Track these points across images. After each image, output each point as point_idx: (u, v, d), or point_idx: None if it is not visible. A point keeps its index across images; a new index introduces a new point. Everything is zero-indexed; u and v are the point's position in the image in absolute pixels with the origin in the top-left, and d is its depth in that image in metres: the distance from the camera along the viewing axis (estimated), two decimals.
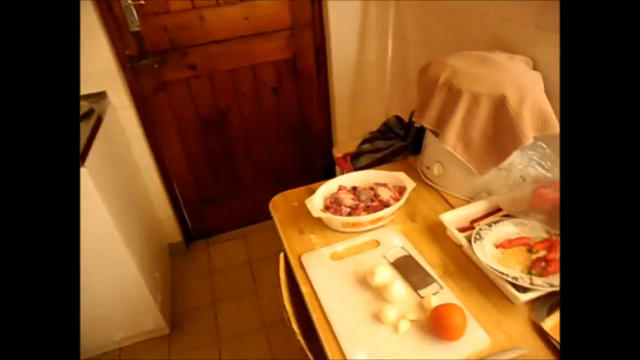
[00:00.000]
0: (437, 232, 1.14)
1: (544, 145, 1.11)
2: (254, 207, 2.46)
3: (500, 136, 1.09)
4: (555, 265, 0.93)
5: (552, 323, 0.86)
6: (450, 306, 0.86)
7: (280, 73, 2.11)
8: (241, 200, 2.44)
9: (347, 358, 0.83)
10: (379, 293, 0.96)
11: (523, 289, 0.90)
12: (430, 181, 1.32)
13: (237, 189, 2.40)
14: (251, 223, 2.56)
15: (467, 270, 1.02)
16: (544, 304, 0.90)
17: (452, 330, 0.83)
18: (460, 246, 1.06)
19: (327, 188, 1.25)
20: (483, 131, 1.12)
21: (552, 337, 0.84)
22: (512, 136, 1.06)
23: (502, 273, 0.92)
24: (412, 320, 0.90)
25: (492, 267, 0.93)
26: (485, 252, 0.98)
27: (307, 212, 1.14)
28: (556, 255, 0.96)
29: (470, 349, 0.84)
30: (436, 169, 1.27)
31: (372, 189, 1.23)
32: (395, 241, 1.12)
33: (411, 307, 0.93)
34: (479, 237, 1.02)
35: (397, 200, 1.18)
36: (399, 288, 0.93)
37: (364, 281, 0.99)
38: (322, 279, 1.02)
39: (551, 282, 0.89)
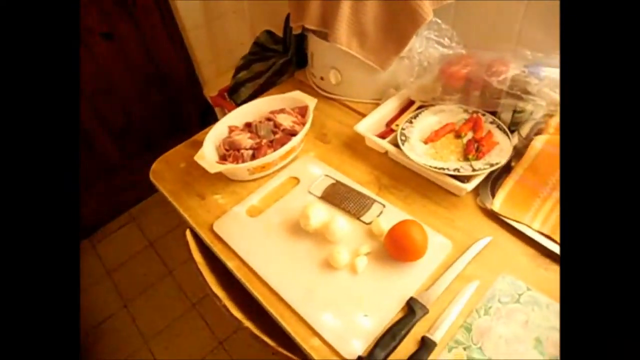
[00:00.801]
0: (356, 147, 1.00)
1: (439, 21, 0.99)
2: (131, 184, 2.07)
3: (396, 20, 0.94)
4: (488, 143, 0.86)
5: (500, 202, 0.80)
6: (404, 224, 0.75)
7: (108, 13, 1.64)
8: (112, 182, 2.03)
9: (314, 327, 0.68)
10: (320, 237, 0.81)
11: (466, 178, 0.82)
12: (329, 92, 1.15)
13: (103, 170, 1.97)
14: (136, 202, 2.19)
15: (401, 178, 0.91)
16: (485, 185, 0.84)
17: (415, 248, 0.72)
18: (386, 153, 0.94)
19: (215, 134, 1.00)
20: (376, 18, 0.95)
21: (504, 216, 0.79)
22: (410, 16, 0.91)
23: (442, 168, 0.82)
24: (367, 254, 0.77)
25: (430, 166, 0.83)
26: (417, 152, 0.87)
27: (201, 171, 0.90)
28: (482, 132, 0.89)
29: (437, 260, 0.75)
30: (333, 77, 1.09)
31: (269, 119, 1.02)
32: (316, 171, 0.95)
33: (361, 240, 0.80)
34: (405, 138, 0.90)
35: (302, 124, 0.99)
36: (341, 223, 0.78)
37: (298, 229, 0.82)
38: (248, 244, 0.82)
39: (490, 161, 0.83)
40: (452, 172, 0.81)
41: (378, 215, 0.83)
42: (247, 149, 0.95)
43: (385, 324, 0.68)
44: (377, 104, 1.07)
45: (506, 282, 0.72)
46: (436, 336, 0.66)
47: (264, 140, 0.97)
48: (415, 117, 0.95)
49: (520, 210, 0.80)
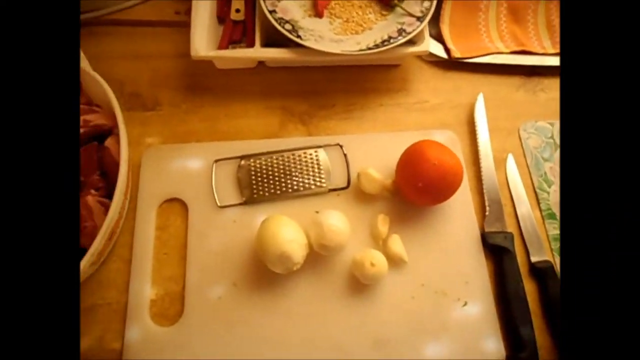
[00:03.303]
0: (203, 84, 0.56)
1: None
2: None
3: None
4: None
5: (451, 42, 0.57)
6: (418, 153, 0.46)
7: None
8: None
9: None
10: (310, 264, 0.46)
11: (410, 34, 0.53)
12: None
13: None
14: None
15: (313, 88, 0.56)
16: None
17: (454, 179, 0.46)
18: (260, 64, 0.55)
19: None
20: None
21: (468, 57, 0.57)
22: None
23: (386, 41, 0.51)
24: (389, 228, 0.48)
25: (371, 47, 0.50)
26: (325, 38, 0.52)
27: None
28: None
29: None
30: None
31: None
32: (192, 164, 0.51)
33: (356, 212, 0.49)
34: (293, 25, 0.51)
35: (89, 104, 0.48)
36: (331, 217, 0.44)
37: (269, 280, 0.45)
38: None
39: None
40: (401, 39, 0.51)
41: (348, 168, 0.51)
42: None
43: (492, 293, 0.46)
44: None
45: (530, 133, 0.55)
46: (540, 255, 0.48)
47: None
48: None
49: (475, 39, 0.59)
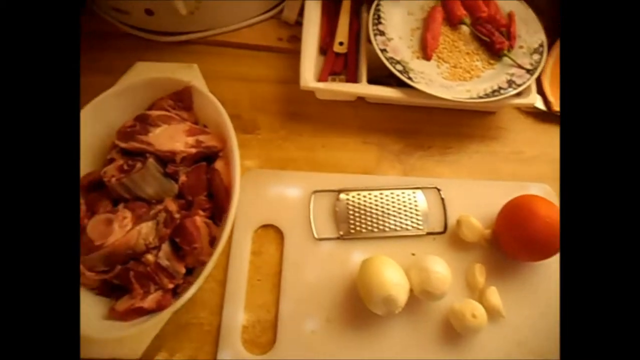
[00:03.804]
0: (299, 112, 0.57)
1: None
2: None
3: None
4: (501, 18, 0.56)
5: (551, 94, 0.57)
6: (525, 207, 0.45)
7: None
8: None
9: None
10: (408, 308, 0.46)
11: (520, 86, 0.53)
12: (172, 34, 0.60)
13: None
14: None
15: (411, 127, 0.57)
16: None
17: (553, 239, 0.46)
18: (358, 99, 0.56)
19: None
20: None
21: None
22: None
23: (496, 91, 0.51)
24: (486, 281, 0.47)
25: (482, 97, 0.50)
26: (432, 79, 0.52)
27: None
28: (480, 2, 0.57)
29: None
30: (182, 3, 0.54)
31: (138, 152, 0.47)
32: (291, 192, 0.52)
33: (457, 263, 0.48)
34: (402, 65, 0.52)
35: (192, 121, 0.49)
36: (436, 264, 0.44)
37: (363, 321, 0.45)
38: None
39: (528, 44, 0.55)
40: (511, 91, 0.51)
41: (445, 213, 0.51)
42: (151, 260, 0.43)
43: None
44: (272, 17, 0.60)
45: None
46: None
47: (163, 217, 0.44)
48: (377, 19, 0.55)
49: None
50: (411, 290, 0.44)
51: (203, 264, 0.45)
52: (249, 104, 0.57)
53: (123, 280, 0.43)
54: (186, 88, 0.49)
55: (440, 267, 0.43)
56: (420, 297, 0.44)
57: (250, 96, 0.58)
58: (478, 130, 0.57)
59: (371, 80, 0.53)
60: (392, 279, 0.42)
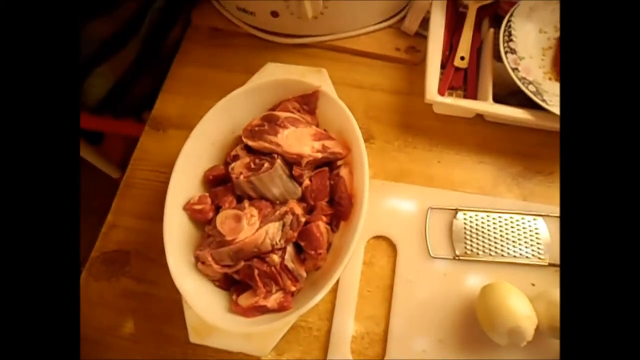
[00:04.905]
0: (415, 123, 0.56)
1: None
2: None
3: None
4: None
5: None
6: None
7: None
8: None
9: None
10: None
11: None
12: (297, 36, 0.61)
13: None
14: None
15: (531, 149, 0.54)
16: None
17: None
18: (477, 117, 0.54)
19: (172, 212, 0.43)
20: None
21: None
22: None
23: None
24: None
25: None
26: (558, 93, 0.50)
27: None
28: None
29: None
30: (309, 5, 0.55)
31: (265, 153, 0.48)
32: (405, 207, 0.51)
33: None
34: (535, 86, 0.50)
35: (314, 125, 0.50)
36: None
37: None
38: None
39: None
40: None
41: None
42: (276, 261, 0.43)
43: None
44: (390, 27, 0.60)
45: None
46: None
47: (290, 219, 0.44)
48: (508, 35, 0.53)
49: None
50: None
51: (318, 268, 0.46)
52: (363, 112, 0.57)
53: (245, 277, 0.44)
54: (314, 92, 0.49)
55: None
56: (547, 332, 0.42)
57: (365, 104, 0.57)
58: None
59: (492, 99, 0.52)
60: (521, 310, 0.40)
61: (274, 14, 0.58)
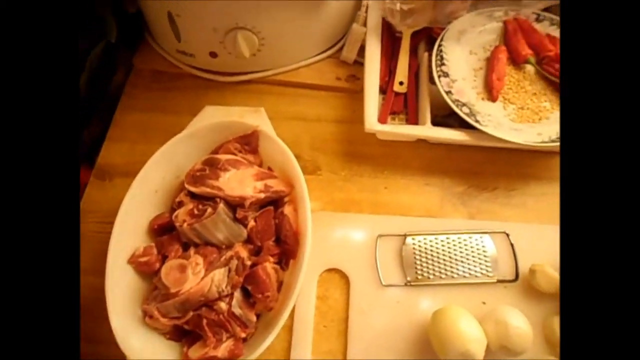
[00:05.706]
0: (359, 152, 0.57)
1: None
2: None
3: None
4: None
5: None
6: None
7: None
8: None
9: None
10: None
11: None
12: (234, 73, 0.61)
13: None
14: None
15: (470, 167, 0.55)
16: None
17: None
18: (418, 141, 0.55)
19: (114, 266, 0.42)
20: None
21: None
22: None
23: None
24: None
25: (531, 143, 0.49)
26: (500, 123, 0.51)
27: None
28: (543, 39, 0.56)
29: None
30: (245, 44, 0.55)
31: (207, 198, 0.48)
32: (355, 236, 0.51)
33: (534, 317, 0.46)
34: (468, 107, 0.51)
35: (258, 165, 0.50)
36: (514, 317, 0.42)
37: None
38: None
39: None
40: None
41: (516, 259, 0.49)
42: (223, 308, 0.43)
43: None
44: (330, 57, 0.61)
45: None
46: None
47: (235, 264, 0.44)
48: (440, 59, 0.55)
49: None
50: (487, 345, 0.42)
51: (270, 309, 0.45)
52: (309, 144, 0.57)
53: (194, 326, 0.43)
54: (254, 132, 0.50)
55: (520, 322, 0.42)
56: (498, 353, 0.42)
57: (310, 136, 0.58)
58: (544, 172, 0.55)
59: (432, 121, 0.53)
60: (469, 332, 0.41)
61: (213, 55, 0.58)
